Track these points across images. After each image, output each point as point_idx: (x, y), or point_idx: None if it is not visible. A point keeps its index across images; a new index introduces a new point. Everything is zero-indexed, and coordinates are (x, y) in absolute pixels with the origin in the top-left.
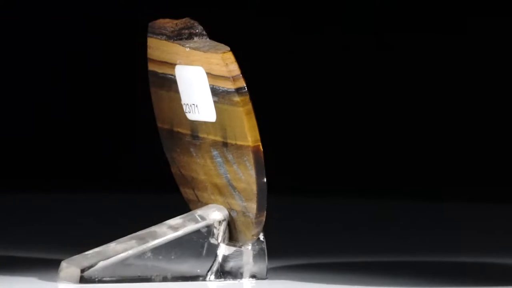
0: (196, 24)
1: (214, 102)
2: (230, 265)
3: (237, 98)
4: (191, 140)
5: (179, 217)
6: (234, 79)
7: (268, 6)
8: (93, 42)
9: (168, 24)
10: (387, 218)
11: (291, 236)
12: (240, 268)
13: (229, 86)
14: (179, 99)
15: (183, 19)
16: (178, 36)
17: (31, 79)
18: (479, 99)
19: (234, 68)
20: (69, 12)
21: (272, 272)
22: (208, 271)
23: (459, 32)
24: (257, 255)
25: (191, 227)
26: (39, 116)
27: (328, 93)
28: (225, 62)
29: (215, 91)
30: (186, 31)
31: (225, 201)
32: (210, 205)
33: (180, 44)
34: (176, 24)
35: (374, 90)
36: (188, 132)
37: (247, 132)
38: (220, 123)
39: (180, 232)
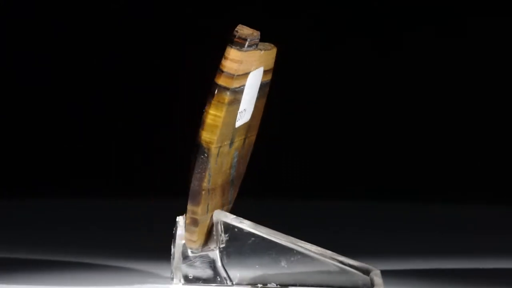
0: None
1: (256, 98)
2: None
3: (268, 88)
4: (224, 150)
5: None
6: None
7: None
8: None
9: (254, 33)
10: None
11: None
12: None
13: (270, 77)
14: (237, 109)
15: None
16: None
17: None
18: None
19: None
20: (71, 12)
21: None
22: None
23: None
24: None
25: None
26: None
27: (327, 94)
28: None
29: (261, 87)
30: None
31: (220, 202)
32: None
33: (255, 50)
34: (255, 30)
35: (374, 92)
36: (228, 142)
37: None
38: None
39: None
